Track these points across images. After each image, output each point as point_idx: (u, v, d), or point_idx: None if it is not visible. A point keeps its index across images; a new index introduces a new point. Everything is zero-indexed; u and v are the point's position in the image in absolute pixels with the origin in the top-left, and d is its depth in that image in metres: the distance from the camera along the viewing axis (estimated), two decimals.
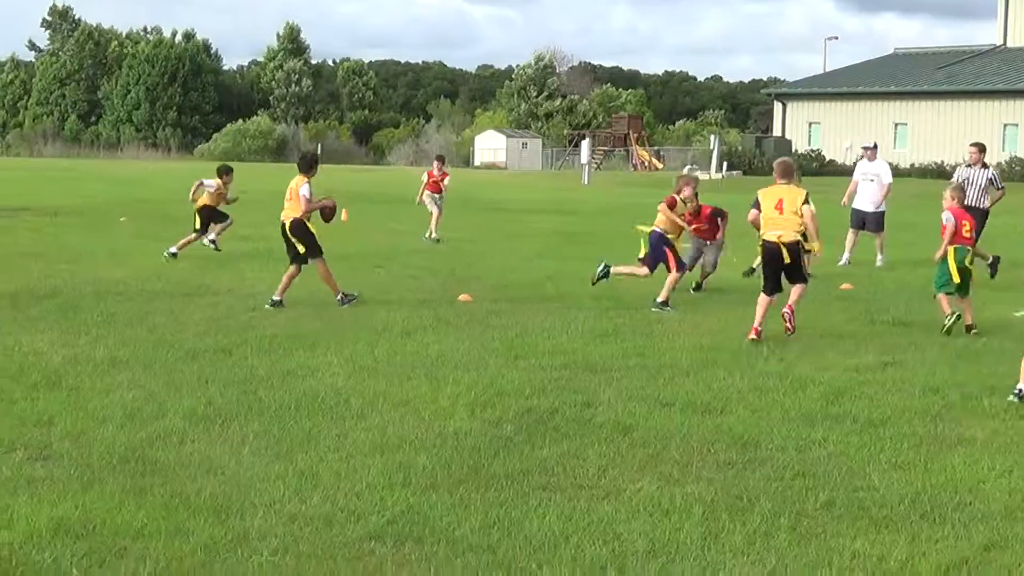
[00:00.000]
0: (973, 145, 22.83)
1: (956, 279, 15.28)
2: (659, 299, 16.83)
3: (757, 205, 15.50)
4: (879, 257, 23.91)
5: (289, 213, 17.10)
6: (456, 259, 23.16)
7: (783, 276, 15.02)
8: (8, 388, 10.96)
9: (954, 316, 15.24)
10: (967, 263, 15.35)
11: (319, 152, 21.63)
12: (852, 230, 24.27)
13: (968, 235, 15.50)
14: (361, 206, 39.14)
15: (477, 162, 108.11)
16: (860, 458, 9.18)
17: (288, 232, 16.99)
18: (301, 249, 16.82)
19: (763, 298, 14.84)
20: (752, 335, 14.49)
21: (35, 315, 15.33)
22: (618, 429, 9.81)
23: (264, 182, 57.55)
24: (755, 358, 13.20)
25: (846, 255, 23.76)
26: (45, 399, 10.51)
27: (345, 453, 8.98)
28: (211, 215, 23.27)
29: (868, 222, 24.20)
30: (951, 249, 15.36)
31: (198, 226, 22.90)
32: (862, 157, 25.39)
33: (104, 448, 8.97)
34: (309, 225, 17.06)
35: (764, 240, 15.02)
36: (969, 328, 15.21)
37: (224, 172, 24.07)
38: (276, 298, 16.55)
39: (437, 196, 29.02)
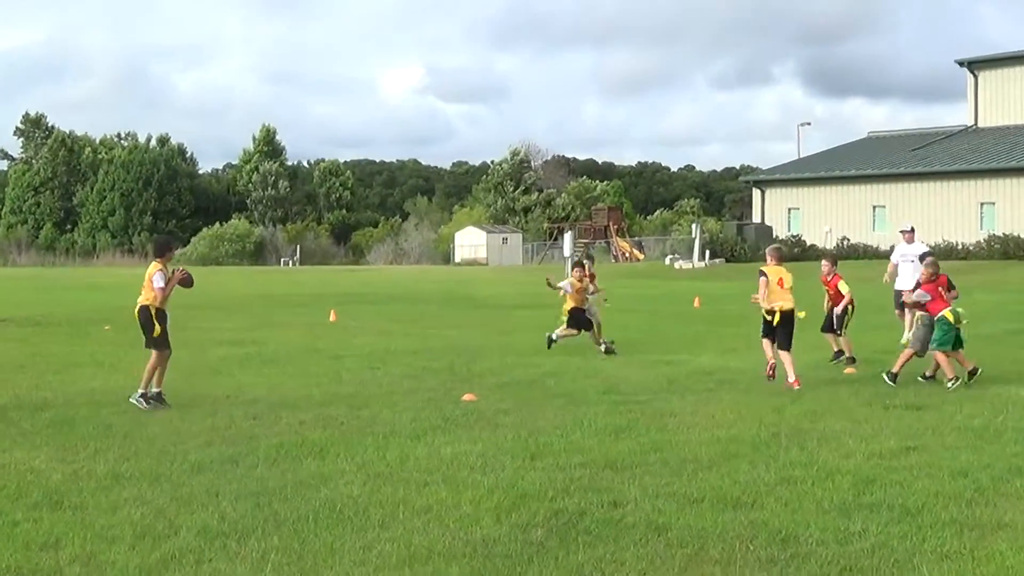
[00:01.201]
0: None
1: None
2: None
3: (764, 275, 19.03)
4: (908, 332, 22.85)
5: (141, 300, 17.05)
6: (453, 357, 22.81)
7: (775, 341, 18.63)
8: (8, 509, 10.50)
9: (957, 380, 17.52)
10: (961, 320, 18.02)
11: (173, 238, 20.51)
12: (899, 310, 24.85)
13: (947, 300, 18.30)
14: (349, 306, 38.86)
15: (457, 259, 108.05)
16: (904, 549, 8.88)
17: (136, 318, 17.10)
18: (144, 336, 16.96)
19: (766, 341, 18.83)
20: (769, 371, 18.49)
21: (28, 429, 14.85)
22: (651, 529, 9.47)
23: (245, 286, 57.36)
24: (776, 448, 12.90)
25: (907, 333, 23.01)
26: (49, 519, 10.06)
27: (372, 567, 8.60)
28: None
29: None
30: (945, 311, 18.06)
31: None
32: (902, 240, 26.60)
33: (117, 572, 8.55)
34: (154, 313, 16.91)
35: (766, 310, 18.79)
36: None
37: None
38: (155, 390, 16.83)
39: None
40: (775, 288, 18.79)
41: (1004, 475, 11.26)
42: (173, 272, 17.22)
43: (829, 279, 21.92)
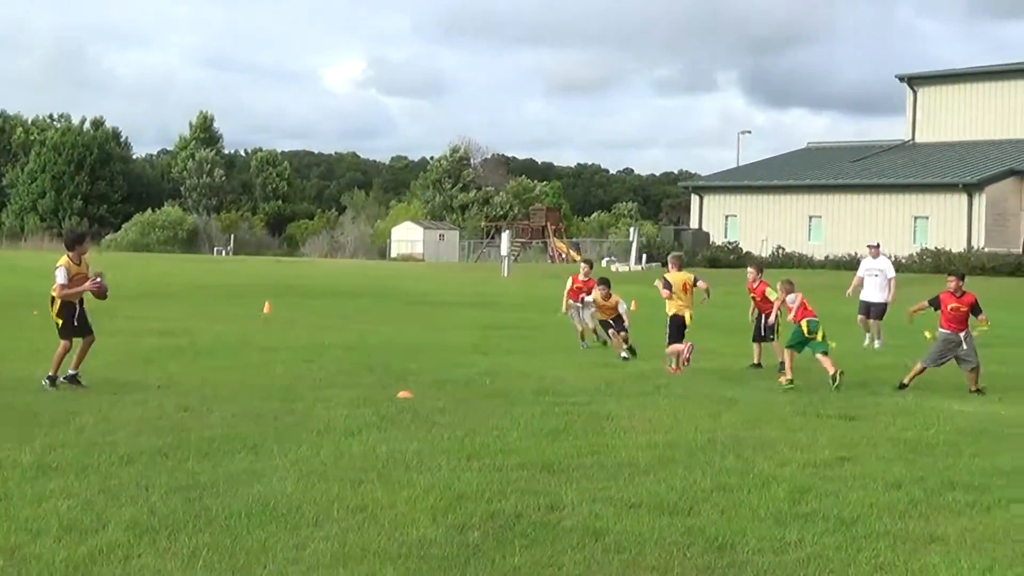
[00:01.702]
0: None
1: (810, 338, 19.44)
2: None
3: (668, 285, 21.22)
4: (878, 341, 26.76)
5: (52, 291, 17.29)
6: (388, 354, 22.68)
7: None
8: None
9: (840, 374, 18.95)
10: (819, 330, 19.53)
11: (86, 231, 20.32)
12: (860, 317, 27.64)
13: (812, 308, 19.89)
14: (283, 299, 38.62)
15: (394, 254, 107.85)
16: (839, 560, 8.87)
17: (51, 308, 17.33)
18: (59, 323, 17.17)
19: (676, 347, 20.75)
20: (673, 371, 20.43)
21: None
22: (589, 534, 9.39)
23: (177, 275, 56.93)
24: (712, 454, 12.87)
25: (876, 341, 26.83)
26: None
27: (306, 566, 8.47)
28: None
29: (872, 311, 27.28)
30: (804, 321, 19.55)
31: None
32: (866, 255, 29.04)
33: (43, 566, 8.33)
34: (57, 306, 17.15)
35: (676, 313, 21.17)
36: (841, 374, 18.97)
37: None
38: (71, 372, 17.20)
39: (580, 306, 25.27)
40: (680, 294, 21.15)
41: (937, 488, 11.28)
42: (96, 276, 17.12)
43: (755, 286, 22.10)
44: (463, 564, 8.58)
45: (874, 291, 27.76)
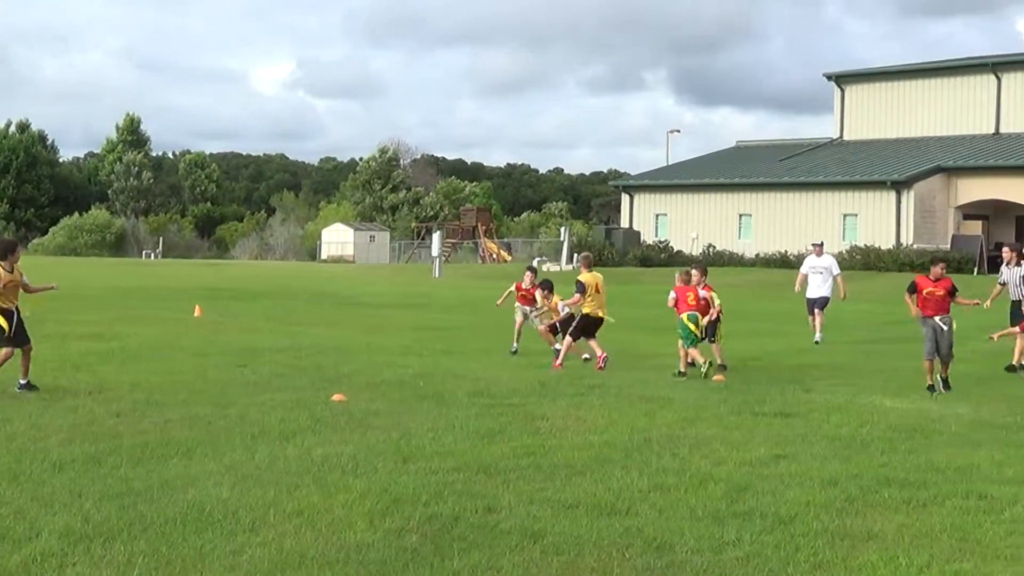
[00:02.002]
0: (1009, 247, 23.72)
1: (696, 334, 20.79)
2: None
3: (582, 288, 21.68)
4: (818, 334, 27.43)
5: None
6: (321, 356, 22.56)
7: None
8: None
9: (707, 363, 20.35)
10: (699, 323, 20.82)
11: (16, 240, 20.29)
12: (810, 315, 28.31)
13: (692, 303, 20.94)
14: (214, 302, 38.35)
15: (324, 255, 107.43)
16: (778, 559, 8.90)
17: None
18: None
19: (574, 344, 21.85)
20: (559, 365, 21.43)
21: None
22: (527, 536, 9.37)
23: (106, 278, 56.44)
24: (648, 454, 12.89)
25: (818, 335, 27.46)
26: None
27: (243, 572, 8.40)
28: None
29: (816, 305, 28.09)
30: (684, 315, 20.75)
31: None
32: (811, 253, 29.94)
33: None
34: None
35: (589, 313, 21.61)
36: (722, 367, 20.95)
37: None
38: (22, 382, 17.28)
39: (528, 308, 24.72)
40: (594, 294, 21.71)
41: (873, 485, 11.33)
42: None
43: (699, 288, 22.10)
44: (402, 568, 8.54)
45: (816, 288, 28.61)
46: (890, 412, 16.29)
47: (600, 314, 21.86)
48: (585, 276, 22.05)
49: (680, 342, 20.96)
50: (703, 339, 21.26)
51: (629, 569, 8.63)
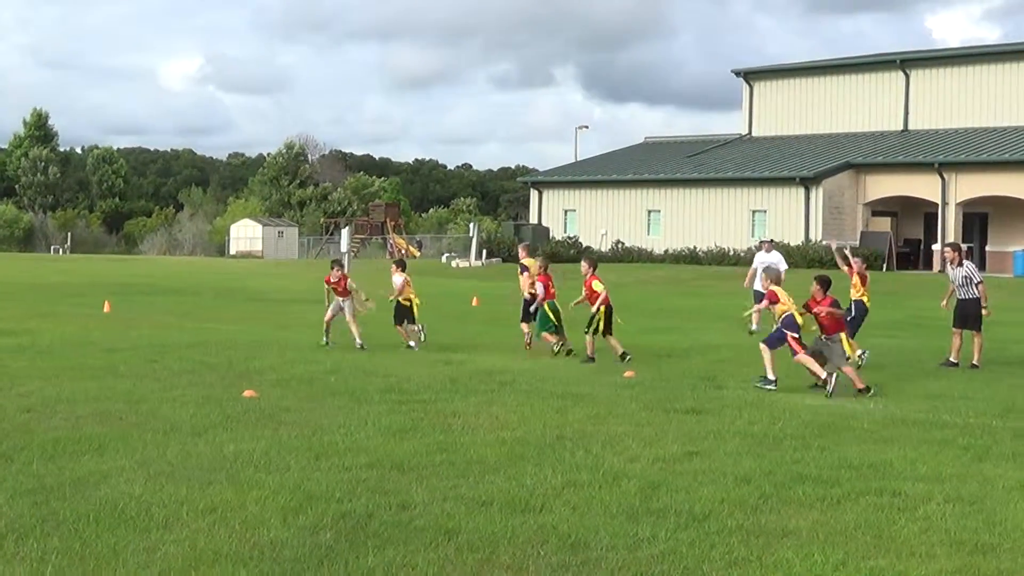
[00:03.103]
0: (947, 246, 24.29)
1: (555, 321, 23.11)
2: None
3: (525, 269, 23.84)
4: (755, 326, 28.44)
5: None
6: (231, 351, 22.42)
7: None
8: None
9: (562, 346, 22.94)
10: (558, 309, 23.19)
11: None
12: (756, 307, 27.55)
13: (553, 289, 23.26)
14: (123, 297, 37.97)
15: (233, 251, 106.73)
16: (693, 556, 8.95)
17: None
18: None
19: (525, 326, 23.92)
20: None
21: None
22: (441, 533, 9.38)
23: (14, 273, 55.73)
24: (561, 451, 12.93)
25: (755, 326, 28.46)
26: None
27: (157, 570, 8.35)
28: None
29: (758, 298, 27.68)
30: (546, 303, 23.10)
31: None
32: (759, 248, 31.72)
33: None
34: None
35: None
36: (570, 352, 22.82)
37: None
38: None
39: (343, 300, 25.09)
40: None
41: (786, 482, 11.42)
42: None
43: (587, 279, 22.52)
44: (316, 566, 8.53)
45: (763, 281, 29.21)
46: (802, 409, 16.41)
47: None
48: (528, 260, 24.38)
49: (587, 333, 22.07)
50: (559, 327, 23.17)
51: (544, 566, 8.66)
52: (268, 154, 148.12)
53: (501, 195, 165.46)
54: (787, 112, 76.21)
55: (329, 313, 24.96)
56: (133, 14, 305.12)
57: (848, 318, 21.51)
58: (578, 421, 14.99)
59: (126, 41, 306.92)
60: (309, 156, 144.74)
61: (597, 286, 22.22)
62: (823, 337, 18.73)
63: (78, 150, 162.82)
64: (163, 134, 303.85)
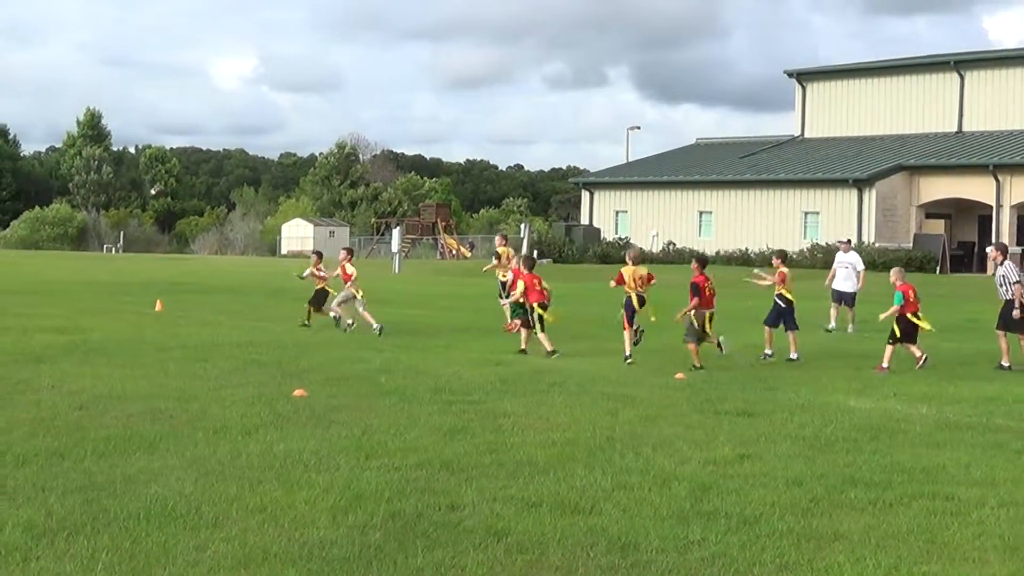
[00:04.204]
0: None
1: (550, 319, 23.54)
2: None
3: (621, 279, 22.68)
4: (852, 326, 29.89)
5: None
6: (281, 352, 22.47)
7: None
8: None
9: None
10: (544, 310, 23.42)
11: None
12: (833, 304, 30.98)
13: (540, 289, 23.37)
14: (175, 296, 38.14)
15: (284, 250, 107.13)
16: (744, 559, 8.89)
17: None
18: None
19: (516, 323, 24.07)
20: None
21: None
22: (491, 534, 9.36)
23: (67, 271, 56.10)
24: (611, 453, 12.88)
25: (832, 323, 30.21)
26: None
27: (206, 568, 8.37)
28: None
29: (845, 299, 30.71)
30: (536, 304, 23.25)
31: None
32: (839, 250, 32.95)
33: None
34: None
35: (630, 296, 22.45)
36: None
37: None
38: None
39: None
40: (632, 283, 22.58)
41: (838, 485, 11.33)
42: None
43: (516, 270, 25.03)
44: (365, 565, 8.52)
45: (844, 282, 31.11)
46: (854, 412, 16.29)
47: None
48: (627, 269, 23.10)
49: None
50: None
51: (593, 568, 8.62)
52: (320, 154, 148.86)
53: (552, 196, 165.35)
54: (840, 113, 75.80)
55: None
56: (187, 12, 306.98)
57: (777, 312, 23.85)
58: (628, 423, 14.94)
59: (180, 40, 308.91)
60: (360, 156, 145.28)
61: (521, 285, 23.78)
62: None
63: (131, 149, 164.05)
64: (216, 134, 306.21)
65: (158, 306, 32.99)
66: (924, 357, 21.88)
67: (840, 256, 32.18)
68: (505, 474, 11.66)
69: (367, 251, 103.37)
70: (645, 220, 75.37)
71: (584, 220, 79.85)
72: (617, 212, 78.19)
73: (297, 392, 16.83)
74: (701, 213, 73.44)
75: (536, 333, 23.39)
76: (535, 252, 71.82)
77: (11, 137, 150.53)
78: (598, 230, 75.53)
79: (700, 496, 10.82)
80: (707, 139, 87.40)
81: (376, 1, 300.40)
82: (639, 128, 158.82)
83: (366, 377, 18.99)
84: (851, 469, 12.22)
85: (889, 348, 21.80)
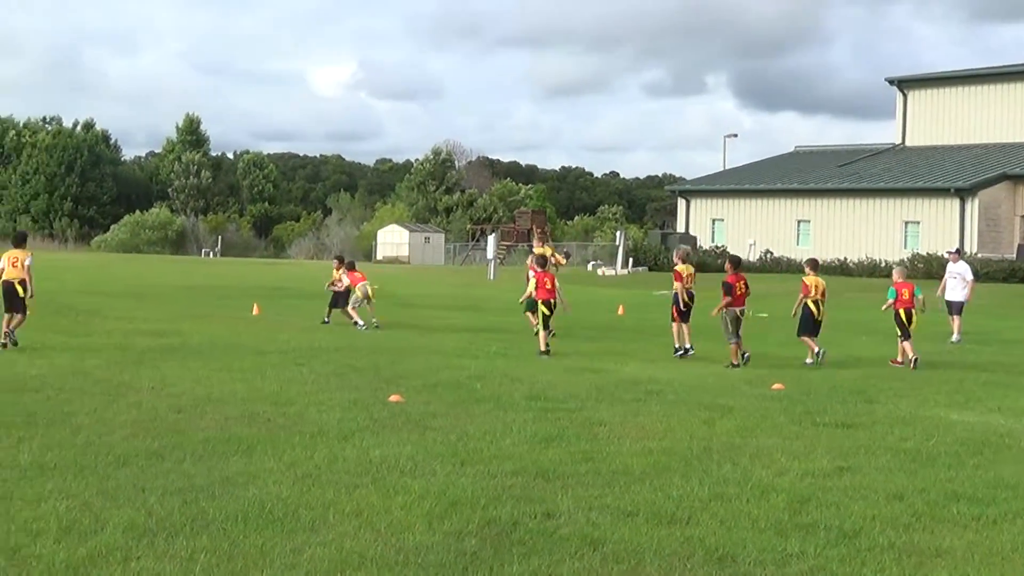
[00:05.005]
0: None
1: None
2: None
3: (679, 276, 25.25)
4: (956, 336, 30.12)
5: (16, 275, 22.98)
6: (377, 357, 22.56)
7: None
8: None
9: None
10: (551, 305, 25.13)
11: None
12: (949, 316, 31.05)
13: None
14: (272, 300, 38.45)
15: (379, 256, 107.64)
16: (844, 573, 8.80)
17: (16, 288, 22.86)
18: (24, 300, 22.90)
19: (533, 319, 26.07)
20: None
21: None
22: (587, 543, 9.31)
23: (166, 275, 56.74)
24: (708, 463, 12.78)
25: (956, 335, 30.17)
26: None
27: (303, 572, 8.40)
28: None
29: (953, 309, 30.89)
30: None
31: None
32: (948, 260, 32.98)
33: (43, 566, 8.31)
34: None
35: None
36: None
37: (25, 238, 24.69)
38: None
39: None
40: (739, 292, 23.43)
41: (940, 500, 11.15)
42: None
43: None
44: (461, 572, 8.52)
45: (952, 291, 31.44)
46: (956, 425, 16.03)
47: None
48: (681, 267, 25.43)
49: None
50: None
51: None
52: (415, 160, 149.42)
53: (648, 203, 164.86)
54: (942, 121, 74.86)
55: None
56: (285, 19, 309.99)
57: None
58: (725, 433, 14.82)
59: (278, 47, 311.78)
60: (456, 162, 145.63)
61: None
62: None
63: (229, 155, 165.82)
64: (312, 140, 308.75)
65: (255, 310, 33.28)
66: (915, 359, 23.29)
67: (950, 267, 32.18)
68: (601, 483, 11.60)
69: (462, 257, 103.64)
70: (742, 228, 74.95)
71: (680, 228, 79.57)
72: (714, 220, 77.82)
73: (393, 397, 16.89)
74: (799, 222, 72.90)
75: (541, 328, 24.80)
76: (630, 260, 71.75)
77: (112, 142, 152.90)
78: (694, 238, 75.21)
79: (799, 508, 10.70)
80: (805, 147, 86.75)
81: (471, 10, 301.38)
82: (736, 136, 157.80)
83: (461, 383, 19.02)
84: (953, 484, 12.00)
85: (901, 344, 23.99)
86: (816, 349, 23.48)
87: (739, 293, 23.29)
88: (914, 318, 24.32)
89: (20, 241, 24.03)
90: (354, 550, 8.92)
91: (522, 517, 10.07)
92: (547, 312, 24.70)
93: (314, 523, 9.67)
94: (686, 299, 24.85)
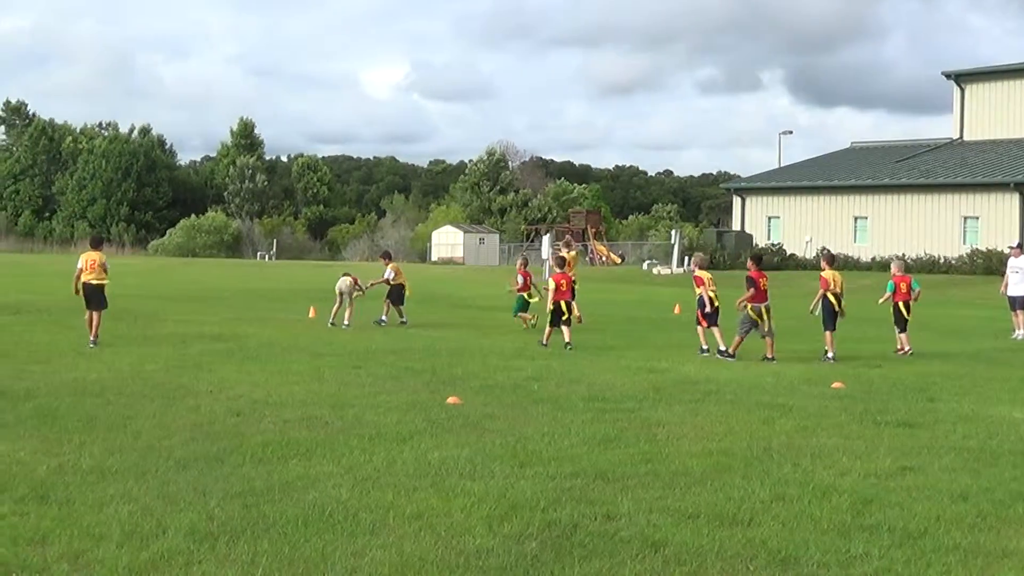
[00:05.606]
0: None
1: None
2: None
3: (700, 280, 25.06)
4: (1020, 331, 30.66)
5: (98, 277, 24.55)
6: (434, 359, 22.57)
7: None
8: None
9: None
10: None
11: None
12: (1012, 312, 31.40)
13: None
14: (327, 303, 38.49)
15: (434, 257, 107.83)
16: (910, 575, 8.66)
17: (100, 291, 24.52)
18: (100, 302, 24.45)
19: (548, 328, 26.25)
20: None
21: (11, 420, 14.57)
22: (648, 545, 9.24)
23: (223, 279, 57.03)
24: (769, 464, 12.68)
25: (1019, 331, 30.68)
26: (36, 514, 9.81)
27: (365, 575, 8.39)
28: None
29: (1016, 304, 31.11)
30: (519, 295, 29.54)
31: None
32: (1009, 255, 33.37)
33: (106, 571, 8.33)
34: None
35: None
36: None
37: (101, 241, 26.63)
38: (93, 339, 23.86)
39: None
40: (762, 288, 24.00)
41: (1005, 500, 11.00)
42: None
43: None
44: (522, 575, 8.46)
45: (1015, 286, 31.62)
46: (1020, 423, 15.83)
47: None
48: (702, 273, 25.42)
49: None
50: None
51: None
52: (469, 161, 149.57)
53: (703, 201, 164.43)
54: (1000, 115, 74.21)
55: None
56: (337, 22, 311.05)
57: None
58: (785, 433, 14.71)
59: (329, 49, 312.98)
60: (510, 163, 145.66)
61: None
62: None
63: (283, 158, 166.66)
64: (366, 142, 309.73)
65: (311, 313, 33.39)
66: (908, 350, 24.96)
67: (1012, 261, 32.35)
68: (661, 484, 11.52)
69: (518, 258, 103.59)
70: (798, 226, 74.63)
71: (736, 226, 79.31)
72: (769, 218, 77.52)
73: (451, 399, 16.87)
74: (856, 218, 72.51)
75: (548, 324, 26.00)
76: (686, 258, 71.53)
77: (168, 147, 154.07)
78: (750, 236, 74.95)
79: (861, 509, 10.59)
80: (862, 143, 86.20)
81: (522, 10, 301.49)
82: (791, 132, 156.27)
83: (519, 385, 18.99)
84: (1019, 484, 11.84)
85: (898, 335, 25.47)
86: (832, 350, 23.75)
87: (762, 288, 23.88)
88: (911, 310, 25.79)
89: (97, 244, 25.68)
90: (414, 553, 8.89)
91: (582, 519, 10.01)
92: (563, 312, 25.94)
93: (374, 526, 9.65)
94: (711, 298, 24.97)
